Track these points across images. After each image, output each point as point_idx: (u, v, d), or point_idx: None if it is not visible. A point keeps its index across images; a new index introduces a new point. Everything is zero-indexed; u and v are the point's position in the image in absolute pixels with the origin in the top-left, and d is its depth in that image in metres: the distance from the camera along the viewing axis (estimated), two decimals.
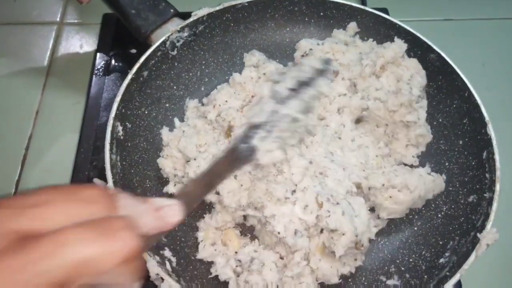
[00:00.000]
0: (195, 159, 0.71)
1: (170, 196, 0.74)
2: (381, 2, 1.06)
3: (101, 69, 0.96)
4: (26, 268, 0.32)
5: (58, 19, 1.09)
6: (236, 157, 0.61)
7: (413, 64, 0.81)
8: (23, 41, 1.05)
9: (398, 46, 0.81)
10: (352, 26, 0.89)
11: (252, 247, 0.71)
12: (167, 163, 0.75)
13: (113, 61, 0.98)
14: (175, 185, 0.75)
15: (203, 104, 0.84)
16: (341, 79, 0.80)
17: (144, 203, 0.42)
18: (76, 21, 1.10)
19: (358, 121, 0.80)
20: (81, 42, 1.06)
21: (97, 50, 1.00)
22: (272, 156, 0.63)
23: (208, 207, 0.75)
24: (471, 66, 1.00)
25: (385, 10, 1.03)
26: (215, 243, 0.72)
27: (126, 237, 0.36)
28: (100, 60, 0.98)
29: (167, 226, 0.42)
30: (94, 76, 0.95)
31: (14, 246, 0.33)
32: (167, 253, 0.69)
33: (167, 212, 0.42)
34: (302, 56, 0.83)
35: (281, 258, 0.69)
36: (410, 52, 0.83)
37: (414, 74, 0.80)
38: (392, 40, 0.83)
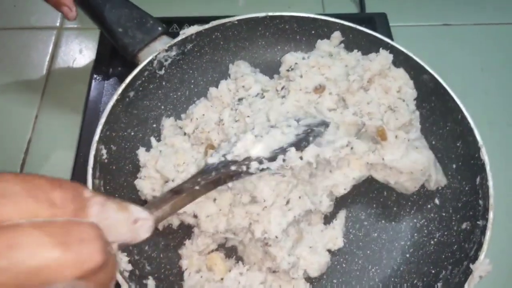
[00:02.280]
0: (173, 180, 0.69)
1: None
2: (380, 7, 1.06)
3: (100, 74, 0.95)
4: None
5: (57, 24, 1.09)
6: (209, 173, 0.60)
7: (400, 75, 0.79)
8: (22, 45, 1.05)
9: (384, 57, 0.79)
10: (336, 35, 0.87)
11: (237, 270, 0.69)
12: (145, 185, 0.72)
13: (112, 66, 0.96)
14: None
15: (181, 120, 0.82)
16: (328, 94, 0.78)
17: (123, 211, 0.38)
18: (75, 26, 1.09)
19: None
20: (80, 47, 1.05)
21: (96, 55, 0.99)
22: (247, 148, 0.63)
23: (187, 233, 0.73)
24: (469, 71, 1.01)
25: (383, 15, 1.03)
26: (201, 270, 0.70)
27: (91, 249, 0.32)
28: (99, 65, 0.96)
29: (138, 239, 0.40)
30: (93, 80, 0.94)
31: None
32: (150, 282, 0.67)
33: (142, 226, 0.40)
34: (288, 70, 0.81)
35: (274, 272, 0.67)
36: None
37: (403, 85, 0.78)
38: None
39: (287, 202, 0.65)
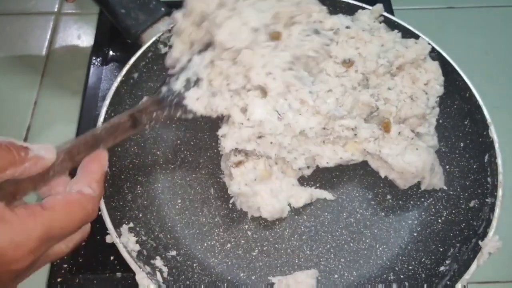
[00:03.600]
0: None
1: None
2: None
3: (99, 59, 0.95)
4: None
5: (55, 9, 1.08)
6: (163, 107, 0.64)
7: (433, 68, 0.76)
8: (20, 31, 1.04)
9: (422, 47, 0.76)
10: (378, 8, 0.83)
11: None
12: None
13: (111, 51, 0.96)
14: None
15: None
16: (354, 71, 0.75)
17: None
18: (73, 11, 1.08)
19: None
20: (78, 32, 1.04)
21: (94, 40, 0.99)
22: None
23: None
24: (474, 54, 1.01)
25: None
26: None
27: None
28: (97, 50, 0.96)
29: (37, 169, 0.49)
30: (92, 66, 0.93)
31: None
32: (158, 262, 0.67)
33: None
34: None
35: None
36: None
37: (432, 79, 0.75)
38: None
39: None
